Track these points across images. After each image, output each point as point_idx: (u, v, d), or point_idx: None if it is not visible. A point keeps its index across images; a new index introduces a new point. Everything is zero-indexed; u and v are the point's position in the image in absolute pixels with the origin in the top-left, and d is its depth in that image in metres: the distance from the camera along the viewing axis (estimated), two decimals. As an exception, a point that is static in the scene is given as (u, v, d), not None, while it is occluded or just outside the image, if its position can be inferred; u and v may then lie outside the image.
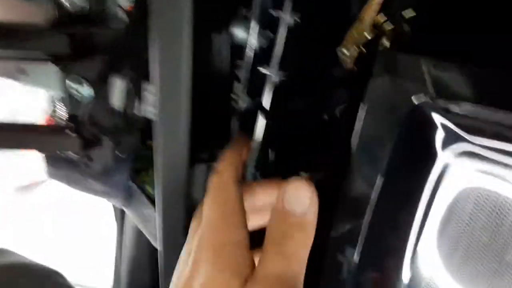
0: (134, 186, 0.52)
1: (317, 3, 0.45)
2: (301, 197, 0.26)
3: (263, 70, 0.45)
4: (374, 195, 0.32)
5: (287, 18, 0.42)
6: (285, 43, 0.43)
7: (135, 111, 0.39)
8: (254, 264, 0.26)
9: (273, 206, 0.27)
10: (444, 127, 0.28)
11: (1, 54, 0.35)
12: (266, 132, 0.47)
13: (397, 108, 0.29)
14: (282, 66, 0.45)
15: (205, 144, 0.38)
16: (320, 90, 0.47)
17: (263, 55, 0.39)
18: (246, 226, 0.28)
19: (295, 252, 0.25)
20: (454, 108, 0.27)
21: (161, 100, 0.33)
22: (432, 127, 0.28)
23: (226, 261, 0.25)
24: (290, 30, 0.43)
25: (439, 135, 0.28)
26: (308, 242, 0.26)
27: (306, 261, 0.25)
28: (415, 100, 0.27)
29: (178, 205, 0.37)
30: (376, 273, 0.34)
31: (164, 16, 0.29)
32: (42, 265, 0.50)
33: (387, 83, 0.28)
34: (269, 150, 0.53)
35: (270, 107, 0.46)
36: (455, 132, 0.28)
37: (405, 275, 0.33)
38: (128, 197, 0.52)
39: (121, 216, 0.68)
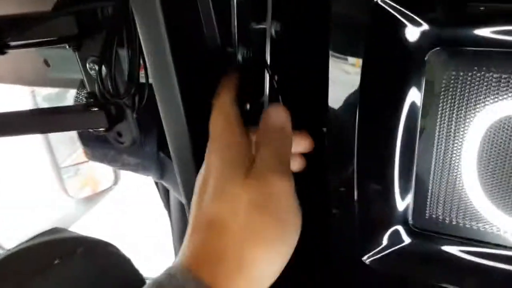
0: (165, 157, 0.56)
1: None
2: (280, 116, 0.35)
3: (257, 24, 0.47)
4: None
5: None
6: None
7: (141, 79, 0.42)
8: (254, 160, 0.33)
9: (260, 126, 0.35)
10: (411, 20, 0.28)
11: (24, 44, 0.40)
12: (272, 86, 0.49)
13: (360, 12, 0.29)
14: (276, 16, 0.47)
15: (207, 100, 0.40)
16: (320, 36, 0.47)
17: (248, 4, 0.41)
18: (246, 134, 0.34)
19: (281, 147, 0.34)
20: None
21: (150, 63, 0.35)
22: (398, 22, 0.29)
23: (231, 157, 0.33)
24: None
25: (408, 30, 0.29)
26: (289, 143, 0.34)
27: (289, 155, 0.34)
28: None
29: (187, 157, 0.39)
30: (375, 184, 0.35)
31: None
32: (95, 237, 0.56)
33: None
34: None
35: (271, 60, 0.48)
36: (422, 23, 0.28)
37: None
38: (161, 167, 0.56)
39: (165, 195, 0.73)
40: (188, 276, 0.30)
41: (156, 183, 0.77)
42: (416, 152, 0.34)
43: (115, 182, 1.47)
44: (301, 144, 0.39)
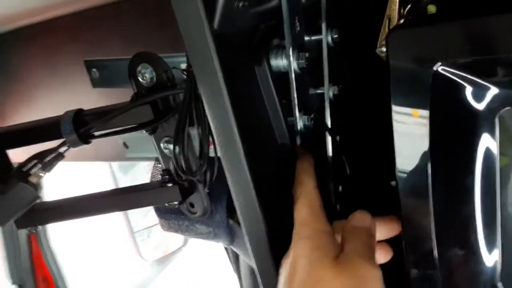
0: (234, 223, 0.57)
1: (351, 19, 0.49)
2: (366, 221, 0.37)
3: (315, 90, 0.48)
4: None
5: (328, 38, 0.46)
6: (329, 58, 0.46)
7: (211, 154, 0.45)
8: (340, 247, 0.35)
9: (347, 225, 0.37)
10: (477, 85, 0.28)
11: (106, 133, 0.45)
12: (336, 147, 0.50)
13: (421, 81, 0.30)
14: (333, 80, 0.48)
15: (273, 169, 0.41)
16: (375, 95, 0.48)
17: (306, 75, 0.43)
18: (329, 221, 0.37)
19: (365, 245, 0.35)
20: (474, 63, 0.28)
21: (219, 142, 0.37)
22: (463, 88, 0.28)
23: (321, 243, 0.35)
24: (331, 47, 0.46)
25: (475, 94, 0.28)
26: (373, 242, 0.36)
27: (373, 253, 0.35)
28: (435, 67, 0.29)
29: (259, 227, 0.39)
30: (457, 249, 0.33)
31: (203, 71, 0.34)
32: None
33: (405, 58, 0.30)
34: (345, 164, 0.54)
35: (332, 122, 0.49)
36: (490, 86, 0.28)
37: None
38: (231, 234, 0.58)
39: (235, 260, 0.73)
40: None
41: (226, 248, 0.78)
42: (498, 211, 0.32)
43: (185, 243, 1.51)
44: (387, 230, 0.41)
